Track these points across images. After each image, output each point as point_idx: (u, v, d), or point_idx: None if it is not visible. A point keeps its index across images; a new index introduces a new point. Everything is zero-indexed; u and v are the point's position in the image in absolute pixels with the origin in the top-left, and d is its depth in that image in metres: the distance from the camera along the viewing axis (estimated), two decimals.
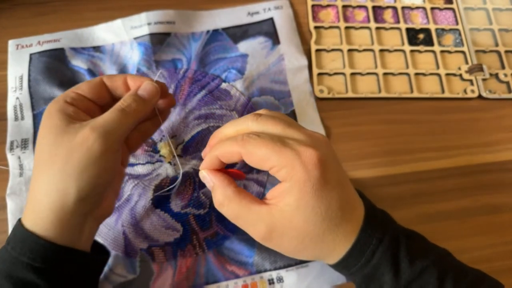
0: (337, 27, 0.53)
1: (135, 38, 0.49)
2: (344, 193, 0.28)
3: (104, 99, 0.34)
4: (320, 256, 0.29)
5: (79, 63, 0.48)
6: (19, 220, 0.30)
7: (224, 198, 0.28)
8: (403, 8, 0.55)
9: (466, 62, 0.52)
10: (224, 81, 0.48)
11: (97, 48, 0.49)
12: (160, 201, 0.41)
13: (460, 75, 0.51)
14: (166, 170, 0.43)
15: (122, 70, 0.48)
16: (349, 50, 0.52)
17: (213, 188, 0.29)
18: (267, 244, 0.28)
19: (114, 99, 0.34)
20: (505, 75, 0.51)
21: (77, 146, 0.28)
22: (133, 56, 0.49)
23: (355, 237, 0.28)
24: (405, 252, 0.28)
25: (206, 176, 0.30)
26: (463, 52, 0.53)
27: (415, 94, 0.49)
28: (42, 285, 0.28)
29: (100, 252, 0.35)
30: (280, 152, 0.26)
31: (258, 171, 0.44)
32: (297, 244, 0.27)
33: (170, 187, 0.41)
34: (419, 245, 0.30)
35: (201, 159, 0.43)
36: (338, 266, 0.29)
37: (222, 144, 0.28)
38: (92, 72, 0.47)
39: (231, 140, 0.28)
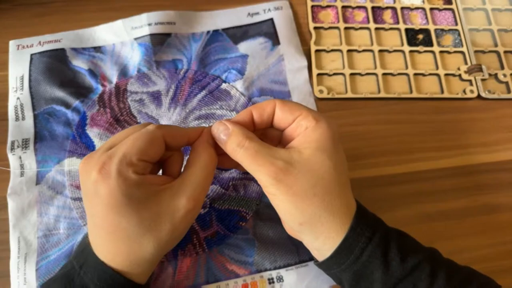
0: (337, 27, 0.54)
1: (135, 39, 0.49)
2: (346, 176, 0.30)
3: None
4: (326, 221, 0.29)
5: (80, 64, 0.48)
6: (88, 244, 0.30)
7: (244, 138, 0.29)
8: (402, 8, 0.56)
9: (466, 63, 0.53)
10: (224, 81, 0.48)
11: (97, 49, 0.50)
12: None
13: (459, 76, 0.52)
14: None
15: (123, 70, 0.48)
16: (349, 51, 0.52)
17: (231, 133, 0.30)
18: (278, 185, 0.28)
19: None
20: (504, 75, 0.52)
21: (180, 219, 0.29)
22: (134, 57, 0.49)
23: (345, 233, 0.29)
24: (396, 249, 0.29)
25: (224, 123, 0.31)
26: (462, 52, 0.53)
27: (415, 95, 0.50)
28: None
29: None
30: (309, 109, 0.30)
31: None
32: (308, 188, 0.28)
33: None
34: (409, 242, 0.30)
35: None
36: (330, 262, 0.30)
37: (257, 104, 0.32)
38: (92, 73, 0.48)
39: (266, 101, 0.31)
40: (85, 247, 0.30)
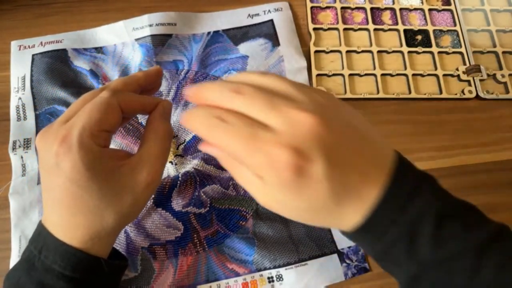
0: (336, 28, 0.54)
1: (136, 40, 0.50)
2: (361, 149, 0.25)
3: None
4: (344, 202, 0.24)
5: (81, 64, 0.48)
6: (43, 226, 0.29)
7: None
8: (401, 9, 0.56)
9: (464, 63, 0.53)
10: None
11: (99, 49, 0.50)
12: (161, 200, 0.42)
13: (458, 76, 0.52)
14: (167, 169, 0.43)
15: (124, 71, 0.49)
16: (348, 52, 0.52)
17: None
18: (266, 205, 0.26)
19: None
20: (503, 75, 0.52)
21: (141, 193, 0.29)
22: (135, 57, 0.49)
23: (381, 190, 0.24)
24: (430, 233, 0.24)
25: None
26: (461, 53, 0.54)
27: (413, 95, 0.50)
28: None
29: (117, 256, 0.35)
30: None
31: None
32: (297, 207, 0.25)
33: None
34: (456, 224, 0.25)
35: (202, 159, 0.43)
36: (358, 235, 0.25)
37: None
38: (94, 73, 0.48)
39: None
40: (41, 230, 0.29)
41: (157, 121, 0.31)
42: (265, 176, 0.23)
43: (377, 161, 0.25)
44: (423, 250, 0.24)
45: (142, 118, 0.46)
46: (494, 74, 0.52)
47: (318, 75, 0.50)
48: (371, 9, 0.55)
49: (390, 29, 0.54)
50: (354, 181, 0.24)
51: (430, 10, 0.56)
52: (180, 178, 0.42)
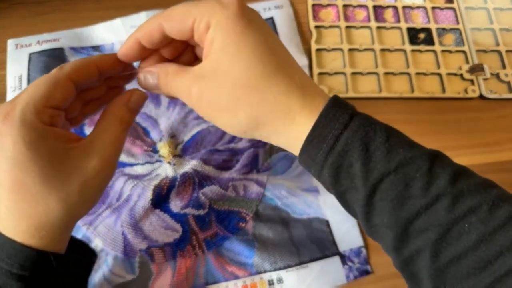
0: (338, 26, 0.53)
1: None
2: (282, 54, 0.26)
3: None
4: (268, 118, 0.25)
5: None
6: None
7: (168, 74, 0.27)
8: (403, 7, 0.55)
9: (467, 62, 0.52)
10: None
11: (96, 48, 0.49)
12: (159, 202, 0.41)
13: (461, 75, 0.51)
14: (165, 170, 0.43)
15: None
16: (350, 50, 0.52)
17: (159, 75, 0.28)
18: (200, 106, 0.26)
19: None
20: (506, 75, 0.51)
21: (90, 180, 0.27)
22: None
23: (315, 119, 0.25)
24: (382, 139, 0.24)
25: (149, 70, 0.28)
26: (464, 51, 0.53)
27: (416, 94, 0.49)
28: None
29: (86, 251, 0.33)
30: (198, 2, 0.26)
31: (258, 171, 0.43)
32: (228, 95, 0.25)
33: None
34: (404, 137, 0.26)
35: (201, 160, 0.43)
36: (304, 157, 0.26)
37: (141, 26, 0.27)
38: None
39: (149, 18, 0.27)
40: None
41: (118, 106, 0.29)
42: (214, 17, 0.25)
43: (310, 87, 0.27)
44: (377, 155, 0.24)
45: (139, 119, 0.45)
46: (498, 73, 0.51)
47: (319, 73, 0.49)
48: (373, 6, 0.55)
49: (392, 27, 0.54)
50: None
51: (433, 8, 0.56)
52: (178, 179, 0.41)
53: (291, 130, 0.25)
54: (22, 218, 0.26)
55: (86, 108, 0.31)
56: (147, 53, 0.29)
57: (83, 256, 0.31)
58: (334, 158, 0.24)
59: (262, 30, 0.26)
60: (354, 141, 0.24)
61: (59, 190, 0.26)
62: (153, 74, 0.28)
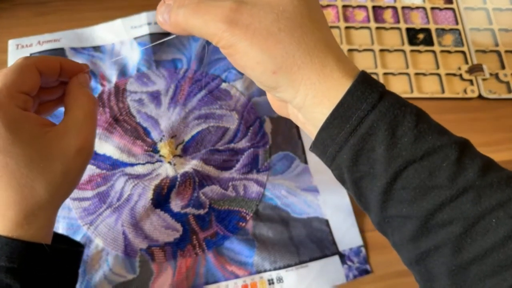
0: (337, 27, 0.53)
1: (135, 38, 0.49)
2: (321, 15, 0.25)
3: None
4: (304, 62, 0.23)
5: None
6: None
7: None
8: (403, 8, 0.55)
9: (466, 62, 0.52)
10: (224, 81, 0.48)
11: (97, 48, 0.49)
12: (159, 201, 0.41)
13: (460, 75, 0.51)
14: (166, 170, 0.43)
15: (122, 70, 0.48)
16: (349, 50, 0.52)
17: (174, 1, 0.25)
18: (233, 29, 0.22)
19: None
20: (505, 75, 0.51)
21: (73, 160, 0.27)
22: (133, 56, 0.49)
23: (350, 83, 0.23)
24: (411, 124, 0.22)
25: (165, 4, 0.25)
26: (463, 52, 0.53)
27: (415, 94, 0.49)
28: (13, 285, 0.26)
29: (71, 243, 0.32)
30: None
31: (258, 171, 0.44)
32: (269, 24, 0.22)
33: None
34: (435, 123, 0.24)
35: (201, 160, 0.43)
36: (322, 135, 0.24)
37: None
38: (92, 72, 0.47)
39: None
40: None
41: (76, 88, 0.30)
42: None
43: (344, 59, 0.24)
44: (404, 141, 0.22)
45: (140, 119, 0.45)
46: (497, 74, 0.52)
47: None
48: (373, 7, 0.55)
49: (392, 28, 0.54)
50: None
51: (432, 8, 0.56)
52: (179, 179, 0.42)
53: (326, 83, 0.23)
54: (9, 206, 0.26)
55: (41, 108, 0.32)
56: None
57: (70, 246, 0.31)
58: (356, 140, 0.22)
59: None
60: (380, 125, 0.22)
61: (43, 172, 0.26)
62: (168, 6, 0.25)
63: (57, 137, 0.27)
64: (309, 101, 0.23)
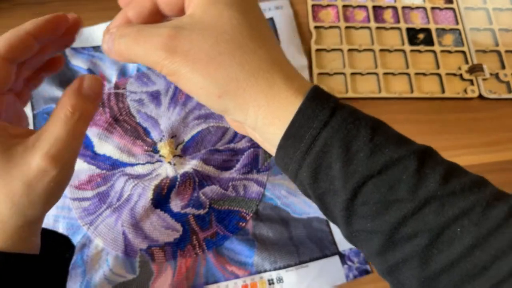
0: (337, 27, 0.53)
1: None
2: (267, 33, 0.24)
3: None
4: (249, 84, 0.22)
5: (79, 63, 0.48)
6: None
7: (123, 27, 0.24)
8: (403, 8, 0.55)
9: (466, 62, 0.52)
10: None
11: (97, 48, 0.49)
12: (159, 201, 0.41)
13: (461, 75, 0.51)
14: (166, 170, 0.43)
15: (122, 70, 0.48)
16: (349, 50, 0.52)
17: (115, 34, 0.24)
18: (172, 56, 0.22)
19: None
20: (505, 75, 0.51)
21: (35, 180, 0.24)
22: None
23: (300, 102, 0.22)
24: (366, 138, 0.22)
25: (108, 32, 0.24)
26: (463, 52, 0.53)
27: (415, 94, 0.49)
28: None
29: (61, 246, 0.31)
30: None
31: (258, 171, 0.44)
32: (211, 46, 0.22)
33: None
34: (392, 133, 0.23)
35: (201, 160, 0.43)
36: (281, 154, 0.23)
37: (132, 3, 0.25)
38: (92, 72, 0.47)
39: None
40: None
41: (66, 95, 0.25)
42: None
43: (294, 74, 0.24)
44: (359, 156, 0.21)
45: (140, 119, 0.45)
46: (497, 73, 0.52)
47: (319, 74, 0.50)
48: (373, 7, 0.55)
49: (392, 28, 0.54)
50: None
51: (432, 8, 0.56)
52: (179, 179, 0.42)
53: (275, 103, 0.22)
54: None
55: (29, 83, 0.29)
56: None
57: (56, 251, 0.29)
58: (312, 158, 0.22)
59: (254, 2, 0.25)
60: (333, 141, 0.22)
61: (3, 187, 0.23)
62: (111, 34, 0.24)
63: (23, 152, 0.24)
64: (260, 122, 0.23)
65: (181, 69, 0.22)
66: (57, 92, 0.46)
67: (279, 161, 0.24)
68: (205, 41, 0.22)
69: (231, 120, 0.29)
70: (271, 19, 0.52)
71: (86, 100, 0.25)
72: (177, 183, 0.42)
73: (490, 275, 0.20)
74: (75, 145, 0.25)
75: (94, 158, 0.43)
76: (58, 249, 0.29)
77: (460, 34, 0.54)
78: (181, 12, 0.25)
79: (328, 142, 0.22)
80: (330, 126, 0.22)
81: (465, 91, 0.50)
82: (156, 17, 0.25)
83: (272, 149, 0.24)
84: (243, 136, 0.45)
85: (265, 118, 0.23)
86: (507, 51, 0.53)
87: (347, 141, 0.22)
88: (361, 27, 0.54)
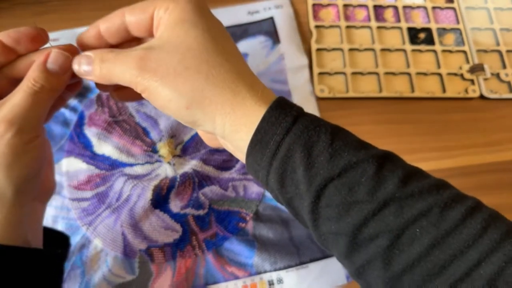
0: (338, 26, 0.53)
1: None
2: (231, 47, 0.26)
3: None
4: (215, 95, 0.24)
5: None
6: None
7: (105, 52, 0.26)
8: (404, 7, 0.55)
9: (467, 62, 0.52)
10: None
11: None
12: (159, 202, 0.41)
13: (461, 75, 0.51)
14: (165, 170, 0.42)
15: None
16: (350, 50, 0.52)
17: (94, 59, 0.25)
18: (143, 73, 0.24)
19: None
20: (506, 74, 0.51)
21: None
22: None
23: (265, 109, 0.24)
24: (326, 143, 0.23)
25: (85, 54, 0.26)
26: (464, 51, 0.53)
27: (416, 94, 0.49)
28: None
29: (58, 242, 0.31)
30: None
31: None
32: (178, 62, 0.24)
33: None
34: (351, 139, 0.24)
35: (201, 160, 0.42)
36: (250, 161, 0.25)
37: (105, 18, 0.27)
38: None
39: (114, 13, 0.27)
40: None
41: (31, 69, 0.26)
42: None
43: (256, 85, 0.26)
44: (320, 160, 0.22)
45: (139, 119, 0.45)
46: (498, 73, 0.51)
47: (320, 73, 0.49)
48: (374, 6, 0.55)
49: (393, 27, 0.54)
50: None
51: (433, 8, 0.55)
52: (178, 179, 0.41)
53: (240, 111, 0.24)
54: None
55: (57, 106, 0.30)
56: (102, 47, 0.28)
57: (56, 244, 0.29)
58: (278, 163, 0.23)
59: (218, 21, 0.27)
60: (296, 147, 0.23)
61: None
62: (89, 58, 0.26)
63: None
64: (228, 129, 0.24)
65: (152, 84, 0.24)
66: None
67: (249, 169, 0.25)
68: (173, 58, 0.24)
69: (203, 133, 0.30)
70: (271, 18, 0.52)
71: (49, 74, 0.26)
72: (177, 183, 0.41)
73: (449, 274, 0.20)
74: (36, 113, 0.25)
75: (93, 158, 0.43)
76: (46, 243, 0.29)
77: (461, 33, 0.54)
78: (148, 33, 0.27)
79: (291, 147, 0.23)
80: (292, 133, 0.23)
81: (466, 91, 0.50)
82: (125, 34, 0.27)
83: (243, 157, 0.25)
84: None
85: (232, 125, 0.24)
86: (508, 51, 0.53)
87: (309, 146, 0.23)
88: (362, 27, 0.53)
